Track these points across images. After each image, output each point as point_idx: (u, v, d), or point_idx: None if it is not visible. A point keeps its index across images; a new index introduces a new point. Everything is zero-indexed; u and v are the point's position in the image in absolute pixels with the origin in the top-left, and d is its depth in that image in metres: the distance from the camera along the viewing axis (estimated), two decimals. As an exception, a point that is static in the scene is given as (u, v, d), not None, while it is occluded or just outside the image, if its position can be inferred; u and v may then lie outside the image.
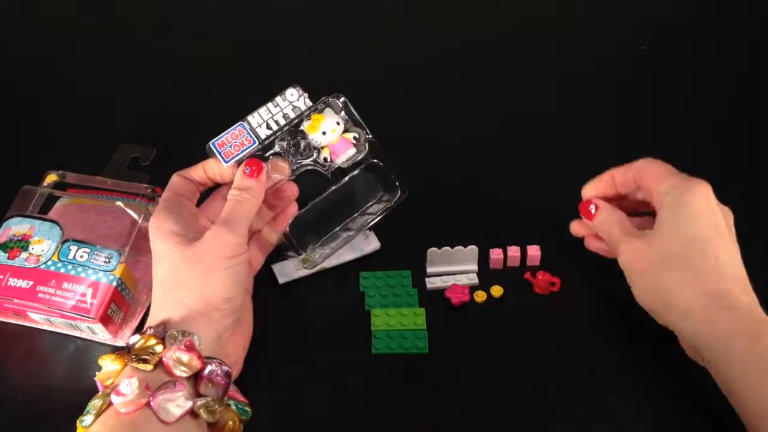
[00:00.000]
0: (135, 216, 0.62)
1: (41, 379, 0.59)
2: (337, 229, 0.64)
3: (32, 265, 0.59)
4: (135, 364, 0.49)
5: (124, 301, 0.60)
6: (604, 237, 0.60)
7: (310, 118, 0.59)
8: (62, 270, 0.59)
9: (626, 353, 0.59)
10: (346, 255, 0.65)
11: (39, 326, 0.61)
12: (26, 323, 0.62)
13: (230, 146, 0.57)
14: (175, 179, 0.59)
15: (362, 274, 0.64)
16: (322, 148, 0.60)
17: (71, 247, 0.60)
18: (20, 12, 0.95)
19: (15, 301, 0.59)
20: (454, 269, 0.64)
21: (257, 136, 0.58)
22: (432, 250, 0.64)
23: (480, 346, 0.60)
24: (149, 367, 0.49)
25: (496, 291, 0.63)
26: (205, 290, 0.53)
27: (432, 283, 0.64)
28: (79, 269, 0.59)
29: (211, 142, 0.57)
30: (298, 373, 0.59)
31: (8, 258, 0.60)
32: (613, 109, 0.80)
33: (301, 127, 0.59)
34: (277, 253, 0.64)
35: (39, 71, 0.87)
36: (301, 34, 0.90)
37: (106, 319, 0.58)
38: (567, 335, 0.60)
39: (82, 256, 0.59)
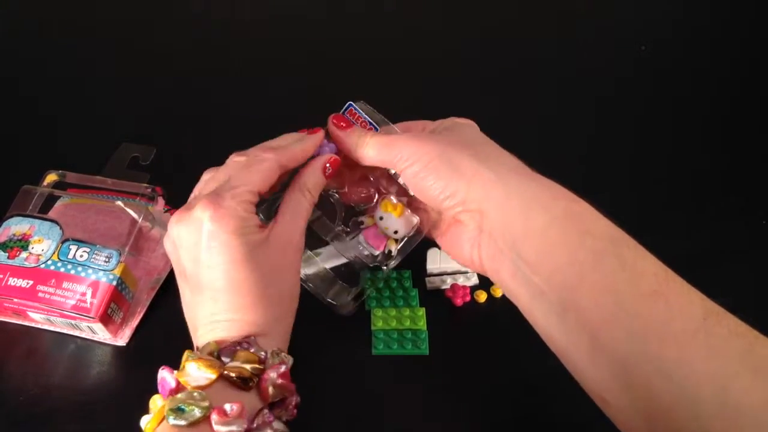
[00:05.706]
0: (135, 216, 0.62)
1: (41, 379, 0.59)
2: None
3: (32, 265, 0.59)
4: (235, 382, 0.46)
5: (124, 301, 0.60)
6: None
7: (395, 199, 0.54)
8: (62, 269, 0.59)
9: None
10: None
11: (39, 326, 0.61)
12: (26, 323, 0.62)
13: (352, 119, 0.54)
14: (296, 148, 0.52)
15: (362, 273, 0.64)
16: (369, 217, 0.55)
17: (71, 247, 0.60)
18: (20, 12, 0.95)
19: (15, 300, 0.59)
20: (454, 269, 0.64)
21: None
22: (432, 250, 0.64)
23: (480, 346, 0.60)
24: (250, 389, 0.46)
25: (497, 291, 0.63)
26: (276, 308, 0.49)
27: (432, 283, 0.64)
28: (79, 269, 0.59)
29: (352, 102, 0.54)
30: (297, 373, 0.59)
31: (8, 257, 0.60)
32: (614, 109, 0.80)
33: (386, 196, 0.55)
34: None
35: (39, 71, 0.87)
36: (301, 34, 0.90)
37: (106, 319, 0.58)
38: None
39: (81, 256, 0.59)
